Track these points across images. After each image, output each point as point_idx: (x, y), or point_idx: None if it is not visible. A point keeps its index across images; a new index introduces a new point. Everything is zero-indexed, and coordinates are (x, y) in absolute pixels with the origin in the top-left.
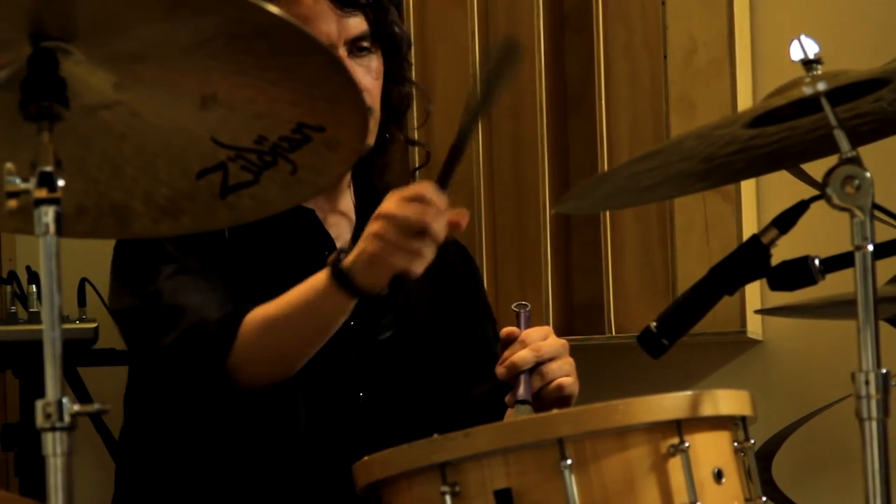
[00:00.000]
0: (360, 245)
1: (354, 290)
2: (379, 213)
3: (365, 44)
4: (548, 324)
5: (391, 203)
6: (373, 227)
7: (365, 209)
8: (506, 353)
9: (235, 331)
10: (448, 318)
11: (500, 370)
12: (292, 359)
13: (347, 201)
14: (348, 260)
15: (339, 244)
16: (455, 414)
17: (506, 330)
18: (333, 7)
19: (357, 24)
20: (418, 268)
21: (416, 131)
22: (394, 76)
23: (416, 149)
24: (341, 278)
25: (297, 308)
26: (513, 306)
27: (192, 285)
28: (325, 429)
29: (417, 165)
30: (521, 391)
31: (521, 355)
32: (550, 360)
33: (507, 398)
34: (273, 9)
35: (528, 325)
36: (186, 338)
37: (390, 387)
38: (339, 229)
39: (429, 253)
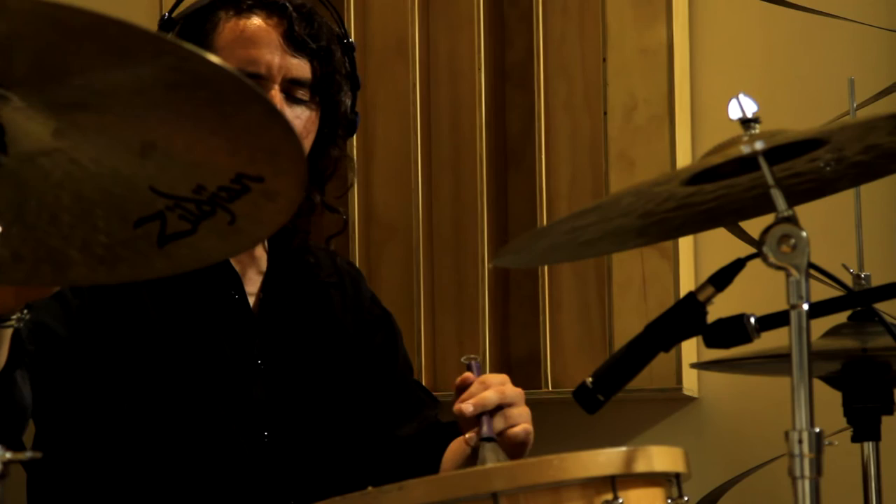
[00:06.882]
0: None
1: None
2: None
3: (302, 92)
4: None
5: None
6: None
7: (277, 266)
8: (465, 394)
9: None
10: (367, 366)
11: (465, 407)
12: None
13: (261, 255)
14: None
15: (247, 288)
16: (381, 455)
17: (462, 376)
18: (282, 41)
19: (300, 67)
20: None
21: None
22: (326, 139)
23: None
24: None
25: None
26: (462, 359)
27: None
28: (232, 470)
29: (332, 234)
30: (485, 430)
31: (486, 395)
32: (511, 404)
33: (469, 436)
34: (213, 58)
35: (481, 374)
36: None
37: (301, 427)
38: (250, 274)
39: None
